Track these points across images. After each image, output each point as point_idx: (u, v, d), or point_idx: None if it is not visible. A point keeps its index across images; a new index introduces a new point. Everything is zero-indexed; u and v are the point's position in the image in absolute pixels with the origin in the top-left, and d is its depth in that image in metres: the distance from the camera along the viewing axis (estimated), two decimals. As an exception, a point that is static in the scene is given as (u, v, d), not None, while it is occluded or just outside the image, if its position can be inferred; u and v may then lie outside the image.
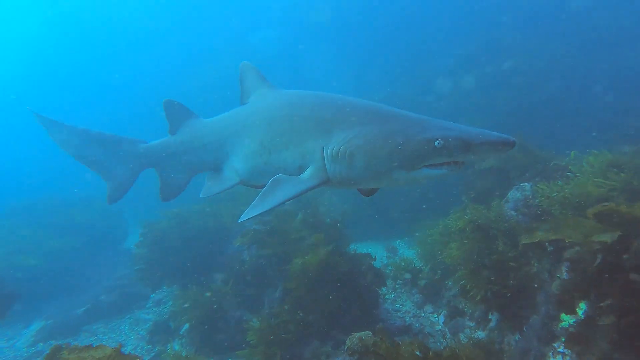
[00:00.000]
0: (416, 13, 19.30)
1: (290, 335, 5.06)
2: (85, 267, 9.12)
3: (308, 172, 2.78)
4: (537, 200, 4.85)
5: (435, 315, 5.68)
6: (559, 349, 3.65)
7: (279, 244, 6.18)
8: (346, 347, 4.28)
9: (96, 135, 4.24)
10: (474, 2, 17.93)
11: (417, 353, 3.65)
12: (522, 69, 12.04)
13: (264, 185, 2.89)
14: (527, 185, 5.13)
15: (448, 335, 5.06)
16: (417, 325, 5.54)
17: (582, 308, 3.59)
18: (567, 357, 3.56)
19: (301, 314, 5.18)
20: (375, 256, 6.23)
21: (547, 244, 4.21)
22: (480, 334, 4.71)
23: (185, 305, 5.83)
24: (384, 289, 6.36)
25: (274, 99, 3.44)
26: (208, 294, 5.96)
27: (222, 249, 7.32)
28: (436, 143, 2.30)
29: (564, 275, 3.97)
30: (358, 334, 4.09)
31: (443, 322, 5.39)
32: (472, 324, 4.97)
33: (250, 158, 3.33)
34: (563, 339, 3.66)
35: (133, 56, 30.00)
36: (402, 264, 7.00)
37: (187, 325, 5.69)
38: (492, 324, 4.68)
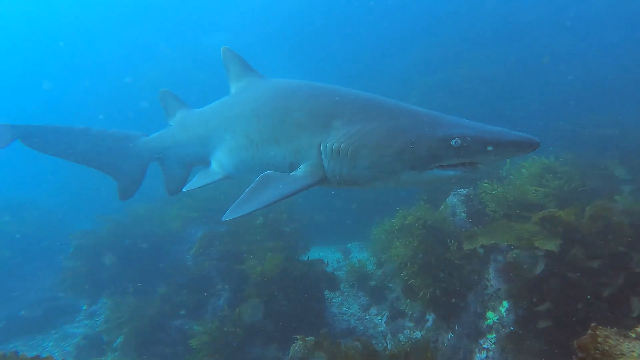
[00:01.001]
0: (371, 19, 19.85)
1: (236, 341, 4.96)
2: (6, 281, 8.30)
3: (302, 169, 2.56)
4: (479, 198, 5.05)
5: (379, 317, 5.78)
6: (484, 345, 3.83)
7: (234, 247, 6.10)
8: (289, 355, 4.25)
9: (98, 134, 4.13)
10: (424, 10, 18.80)
11: (359, 354, 3.72)
12: (469, 77, 12.79)
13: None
14: (463, 191, 5.36)
15: (389, 337, 5.15)
16: (361, 327, 5.61)
17: (512, 309, 3.77)
18: (491, 353, 3.74)
19: (249, 319, 5.12)
20: (327, 262, 6.38)
21: (477, 246, 4.41)
22: (418, 334, 4.84)
23: (121, 316, 5.49)
24: (332, 292, 6.44)
25: (263, 89, 3.18)
26: (148, 303, 5.66)
27: (166, 256, 7.00)
28: (453, 142, 2.10)
29: (491, 276, 4.20)
30: (301, 341, 4.08)
31: (385, 323, 5.49)
32: (411, 324, 5.10)
33: (235, 152, 3.12)
34: (488, 336, 3.85)
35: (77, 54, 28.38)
36: (357, 266, 7.06)
37: (121, 338, 5.35)
38: (428, 324, 4.84)
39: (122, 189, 4.32)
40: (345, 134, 2.40)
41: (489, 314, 3.94)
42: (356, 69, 17.11)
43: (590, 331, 1.29)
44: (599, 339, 1.22)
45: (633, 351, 1.12)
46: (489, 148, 2.07)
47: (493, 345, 3.75)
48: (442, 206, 5.43)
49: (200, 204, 7.50)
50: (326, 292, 6.14)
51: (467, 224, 4.86)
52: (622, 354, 1.13)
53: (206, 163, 3.63)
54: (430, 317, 4.86)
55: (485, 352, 3.79)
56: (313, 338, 4.08)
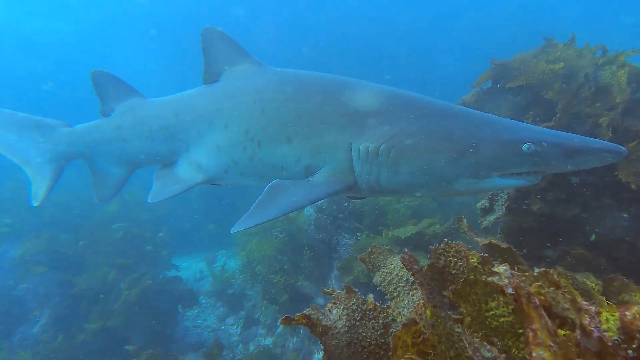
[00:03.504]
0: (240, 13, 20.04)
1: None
2: None
3: (323, 173, 2.20)
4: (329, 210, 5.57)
5: (235, 327, 5.79)
6: (322, 346, 4.24)
7: (64, 268, 5.24)
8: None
9: (8, 118, 3.48)
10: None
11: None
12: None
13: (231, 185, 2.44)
14: (319, 203, 5.87)
15: (240, 346, 5.21)
16: (213, 339, 5.51)
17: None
18: (326, 352, 4.18)
19: (77, 344, 4.47)
20: (187, 280, 6.12)
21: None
22: (268, 340, 5.04)
23: None
24: (189, 306, 6.21)
25: (268, 78, 2.69)
26: None
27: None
28: (525, 147, 1.84)
29: (333, 281, 4.72)
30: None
31: (239, 333, 5.54)
32: (263, 331, 5.28)
33: (225, 151, 2.61)
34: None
35: None
36: (218, 275, 6.90)
37: None
38: (278, 330, 5.09)
39: (34, 188, 3.59)
40: (386, 133, 2.10)
41: (328, 316, 4.39)
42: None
43: (369, 249, 1.76)
44: (373, 256, 1.75)
45: (391, 264, 1.65)
46: (569, 156, 1.83)
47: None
48: (300, 216, 5.84)
49: (13, 217, 6.08)
50: (179, 307, 5.90)
51: (317, 235, 5.34)
52: (385, 266, 1.65)
53: (166, 164, 3.04)
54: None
55: (322, 352, 4.19)
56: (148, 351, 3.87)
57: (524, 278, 0.83)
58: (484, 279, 1.25)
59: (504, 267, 0.86)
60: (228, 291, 6.35)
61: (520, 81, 2.49)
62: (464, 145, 1.96)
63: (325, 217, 5.38)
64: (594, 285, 1.69)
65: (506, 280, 0.69)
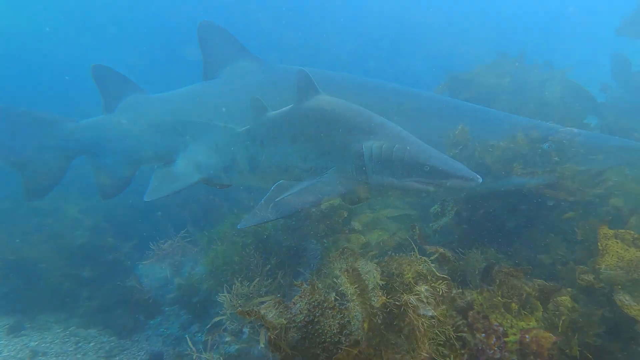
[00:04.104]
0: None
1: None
2: None
3: (333, 173, 2.16)
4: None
5: (200, 334, 5.66)
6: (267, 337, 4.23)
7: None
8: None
9: (2, 112, 3.22)
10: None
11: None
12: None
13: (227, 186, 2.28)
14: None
15: (204, 354, 5.09)
16: (175, 348, 5.36)
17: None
18: (290, 358, 4.18)
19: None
20: (151, 287, 6.11)
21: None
22: (234, 348, 4.95)
23: None
24: (151, 316, 6.02)
25: (270, 75, 2.60)
26: None
27: None
28: (545, 146, 1.83)
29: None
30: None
31: (203, 341, 5.41)
32: (229, 338, 5.17)
33: (225, 150, 2.57)
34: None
35: None
36: (184, 282, 6.71)
37: None
38: (244, 336, 5.01)
39: (30, 186, 3.37)
40: (399, 132, 2.02)
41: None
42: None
43: (340, 249, 1.95)
44: (343, 257, 1.86)
45: (358, 267, 1.63)
46: (590, 154, 1.81)
47: (293, 351, 4.18)
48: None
49: None
50: (142, 317, 5.71)
51: (284, 240, 5.30)
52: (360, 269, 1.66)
53: (167, 160, 2.98)
54: (246, 329, 5.05)
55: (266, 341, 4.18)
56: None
57: (441, 298, 0.86)
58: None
59: (425, 287, 0.89)
60: (193, 299, 6.20)
61: (472, 92, 2.61)
62: (482, 144, 1.94)
63: (293, 222, 5.36)
64: (531, 291, 1.78)
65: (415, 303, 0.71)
